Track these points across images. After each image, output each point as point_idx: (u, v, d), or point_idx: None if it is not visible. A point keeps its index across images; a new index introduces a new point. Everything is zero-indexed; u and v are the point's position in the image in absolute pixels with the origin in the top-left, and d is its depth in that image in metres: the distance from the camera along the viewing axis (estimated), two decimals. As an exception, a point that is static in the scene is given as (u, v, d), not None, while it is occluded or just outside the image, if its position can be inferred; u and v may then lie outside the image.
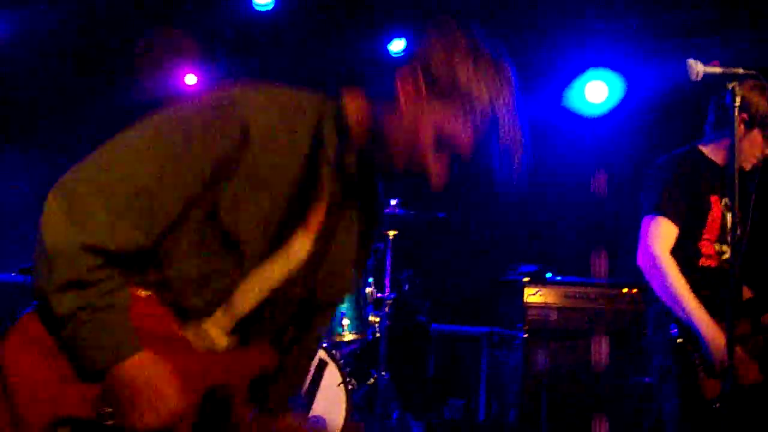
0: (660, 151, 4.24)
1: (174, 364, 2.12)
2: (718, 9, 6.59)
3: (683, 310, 3.83)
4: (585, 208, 7.26)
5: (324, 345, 5.28)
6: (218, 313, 2.24)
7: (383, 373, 6.00)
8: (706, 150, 4.13)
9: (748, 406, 3.85)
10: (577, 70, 7.39)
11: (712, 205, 4.02)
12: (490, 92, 2.12)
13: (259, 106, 2.12)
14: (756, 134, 3.97)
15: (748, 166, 4.01)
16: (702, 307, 3.82)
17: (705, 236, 4.03)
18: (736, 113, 3.33)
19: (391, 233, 6.15)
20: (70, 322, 2.03)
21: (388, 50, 7.75)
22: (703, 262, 4.03)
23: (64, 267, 2.02)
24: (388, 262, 6.12)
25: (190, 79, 8.10)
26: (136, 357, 2.07)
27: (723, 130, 4.08)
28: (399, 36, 7.72)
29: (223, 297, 2.22)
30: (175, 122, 2.11)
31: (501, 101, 2.13)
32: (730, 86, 3.31)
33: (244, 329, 2.30)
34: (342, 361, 5.32)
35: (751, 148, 3.99)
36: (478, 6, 6.84)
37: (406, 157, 2.16)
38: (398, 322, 6.58)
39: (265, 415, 2.31)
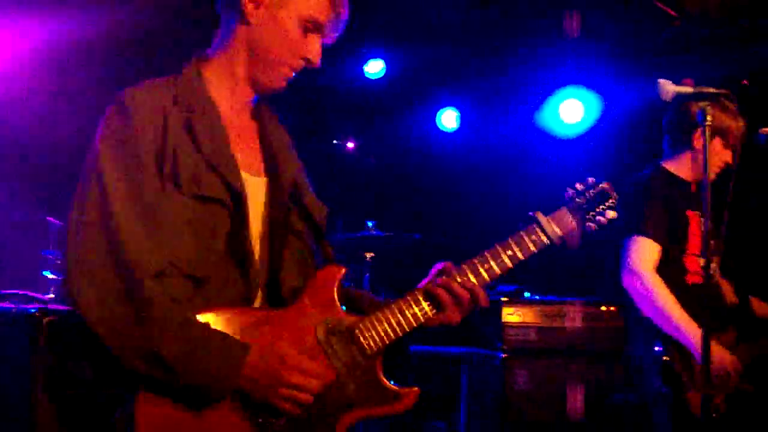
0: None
1: (277, 337, 2.29)
2: (695, 27, 6.64)
3: (676, 327, 3.85)
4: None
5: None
6: (257, 294, 2.41)
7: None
8: (671, 167, 4.19)
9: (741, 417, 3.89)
10: (551, 88, 7.41)
11: (690, 220, 4.07)
12: None
13: (148, 95, 2.39)
14: (716, 143, 4.02)
15: (712, 176, 4.06)
16: (694, 323, 3.84)
17: (689, 252, 4.06)
18: (707, 132, 3.36)
19: (369, 255, 6.15)
20: (184, 362, 2.13)
21: (363, 71, 7.79)
22: (690, 278, 4.06)
23: (150, 303, 2.14)
24: (365, 285, 6.11)
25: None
26: (251, 352, 2.21)
27: (682, 146, 4.14)
28: (375, 57, 7.76)
29: (243, 257, 2.36)
30: (111, 142, 2.30)
31: None
32: (701, 105, 3.35)
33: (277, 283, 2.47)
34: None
35: (712, 158, 4.03)
36: (453, 23, 6.89)
37: (286, 55, 2.46)
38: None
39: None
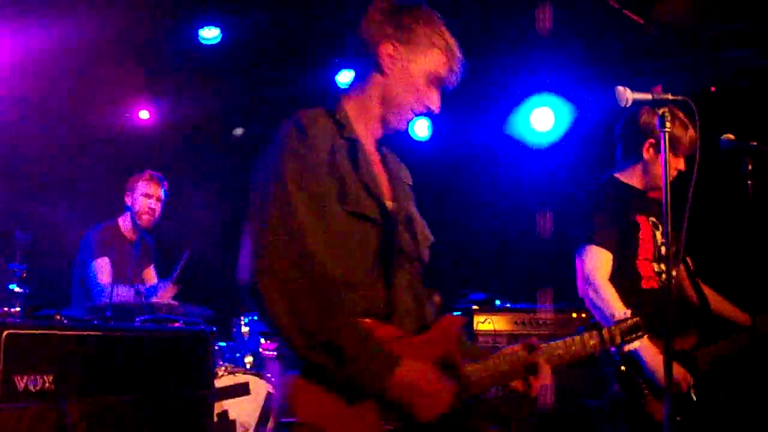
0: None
1: (415, 356, 2.56)
2: (665, 35, 6.68)
3: None
4: (531, 236, 7.27)
5: (272, 379, 5.24)
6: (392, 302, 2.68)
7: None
8: (622, 177, 4.22)
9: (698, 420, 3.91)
10: (523, 96, 7.41)
11: (640, 225, 4.09)
12: (441, 34, 2.82)
13: (318, 119, 2.72)
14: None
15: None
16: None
17: (641, 257, 4.08)
18: (666, 137, 3.35)
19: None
20: (356, 358, 2.42)
21: (335, 81, 7.79)
22: (645, 284, 4.08)
23: (336, 301, 2.46)
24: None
25: (144, 115, 8.10)
26: (404, 364, 2.48)
27: (633, 157, 4.17)
28: (348, 67, 7.76)
29: (387, 272, 2.67)
30: (292, 157, 2.58)
31: (447, 35, 2.84)
32: (661, 112, 3.34)
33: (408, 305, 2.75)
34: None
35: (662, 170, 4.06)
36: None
37: (413, 103, 2.82)
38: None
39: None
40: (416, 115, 2.86)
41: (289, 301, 2.41)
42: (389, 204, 2.78)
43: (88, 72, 7.28)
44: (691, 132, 4.10)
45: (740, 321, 4.39)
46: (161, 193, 6.14)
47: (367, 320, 2.55)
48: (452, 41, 2.85)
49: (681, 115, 4.05)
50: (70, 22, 6.62)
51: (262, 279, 2.42)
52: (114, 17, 6.77)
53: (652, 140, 4.08)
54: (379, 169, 2.86)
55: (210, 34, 7.19)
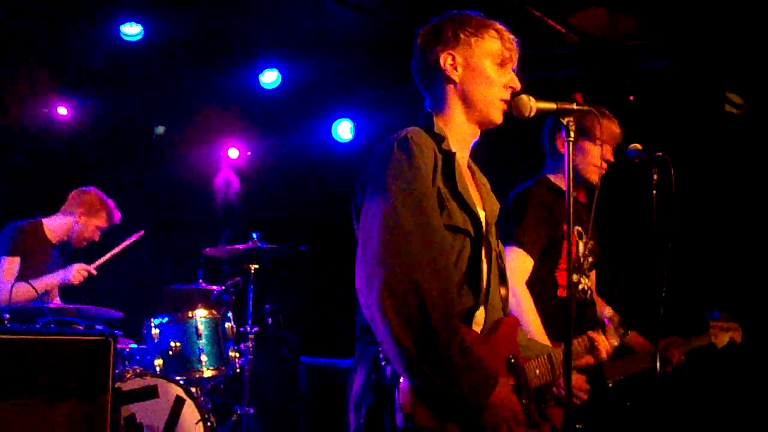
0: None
1: (489, 355, 2.78)
2: (584, 45, 6.75)
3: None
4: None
5: (181, 382, 5.17)
6: (480, 308, 2.86)
7: (248, 409, 5.91)
8: (552, 177, 4.18)
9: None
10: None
11: (565, 234, 4.05)
12: (481, 22, 2.97)
13: (422, 139, 2.83)
14: (584, 144, 4.03)
15: (595, 178, 4.08)
16: (548, 341, 3.85)
17: (561, 267, 4.04)
18: (571, 147, 3.32)
19: (253, 267, 6.11)
20: (453, 369, 2.53)
21: (259, 81, 7.74)
22: (561, 292, 4.04)
23: (441, 310, 2.55)
24: (249, 297, 6.07)
25: (61, 111, 7.95)
26: (500, 385, 2.66)
27: (555, 153, 4.15)
28: (270, 67, 7.72)
29: (476, 277, 2.84)
30: (393, 174, 2.70)
31: (486, 20, 2.99)
32: (564, 121, 3.31)
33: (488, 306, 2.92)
34: (201, 398, 5.22)
35: (586, 159, 4.06)
36: (348, 34, 6.87)
37: (495, 92, 2.96)
38: (263, 356, 6.50)
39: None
40: (507, 102, 2.97)
41: (405, 325, 2.52)
42: (481, 213, 2.95)
43: (3, 65, 7.14)
44: (605, 120, 4.05)
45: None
46: None
47: (462, 326, 2.73)
48: (493, 23, 2.99)
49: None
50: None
51: (379, 306, 2.53)
52: (34, 9, 6.66)
53: None
54: (470, 180, 3.02)
55: (132, 30, 7.07)
